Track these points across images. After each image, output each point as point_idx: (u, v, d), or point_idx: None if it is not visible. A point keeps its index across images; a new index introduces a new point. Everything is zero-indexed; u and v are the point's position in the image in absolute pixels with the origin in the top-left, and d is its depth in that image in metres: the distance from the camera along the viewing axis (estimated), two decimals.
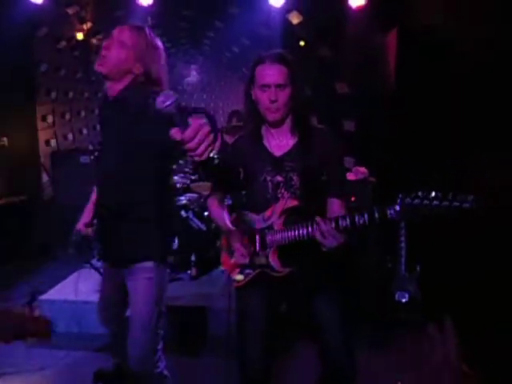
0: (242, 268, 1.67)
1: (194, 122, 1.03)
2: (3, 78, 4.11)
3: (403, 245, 2.79)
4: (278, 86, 1.55)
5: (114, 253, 1.76)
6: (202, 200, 3.49)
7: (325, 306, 1.67)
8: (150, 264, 1.68)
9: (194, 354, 2.62)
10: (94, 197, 1.92)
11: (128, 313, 1.84)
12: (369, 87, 3.93)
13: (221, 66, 4.66)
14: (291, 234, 1.55)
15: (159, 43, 1.71)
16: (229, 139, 3.69)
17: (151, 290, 1.68)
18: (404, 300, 2.78)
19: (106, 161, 1.74)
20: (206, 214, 3.36)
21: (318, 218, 1.46)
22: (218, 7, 4.36)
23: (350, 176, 3.17)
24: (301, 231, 1.52)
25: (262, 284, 1.66)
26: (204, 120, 1.04)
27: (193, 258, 3.21)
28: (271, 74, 1.55)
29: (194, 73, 4.73)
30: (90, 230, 1.90)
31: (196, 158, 1.03)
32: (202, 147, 1.02)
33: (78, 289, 2.89)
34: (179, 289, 2.99)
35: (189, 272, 3.22)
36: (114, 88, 1.67)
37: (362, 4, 3.74)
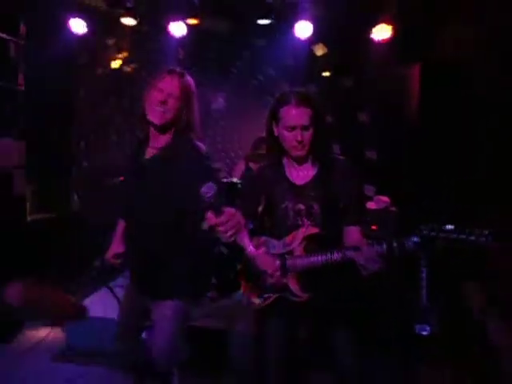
0: (261, 291, 1.72)
1: (228, 210, 1.28)
2: (42, 101, 4.41)
3: (424, 275, 2.76)
4: (304, 127, 1.62)
5: (146, 285, 1.78)
6: None
7: (341, 335, 1.69)
8: (181, 302, 1.73)
9: (213, 376, 2.63)
10: (120, 228, 1.97)
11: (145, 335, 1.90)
12: (391, 117, 3.99)
13: (247, 94, 4.81)
14: (312, 259, 1.60)
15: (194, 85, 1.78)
16: (254, 166, 3.79)
17: (176, 326, 1.73)
18: (425, 333, 2.72)
19: (142, 210, 1.75)
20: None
21: (361, 244, 1.51)
22: (245, 39, 4.57)
23: (371, 205, 3.19)
24: (324, 257, 1.57)
25: (281, 308, 1.69)
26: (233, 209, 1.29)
27: (213, 280, 3.25)
28: (298, 116, 1.62)
29: (220, 100, 4.90)
30: (118, 262, 1.95)
31: (221, 237, 1.25)
32: (230, 233, 1.27)
33: (99, 306, 2.96)
34: (198, 311, 3.01)
35: (208, 294, 3.26)
36: (158, 138, 1.74)
37: (386, 37, 3.85)
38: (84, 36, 4.25)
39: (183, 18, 4.03)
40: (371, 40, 3.88)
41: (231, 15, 4.08)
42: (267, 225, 1.81)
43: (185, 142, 1.70)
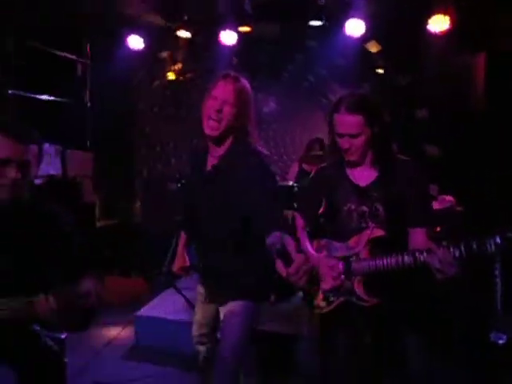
0: (325, 295, 1.70)
1: (298, 259, 1.30)
2: (106, 115, 4.71)
3: (498, 280, 2.57)
4: (352, 135, 1.59)
5: (216, 294, 1.81)
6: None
7: (412, 342, 1.63)
8: (249, 303, 1.74)
9: (270, 380, 2.64)
10: (183, 240, 2.01)
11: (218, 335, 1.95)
12: (452, 110, 3.79)
13: (298, 96, 4.81)
14: (380, 263, 1.55)
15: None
16: (307, 167, 3.78)
17: (245, 326, 1.74)
18: (501, 342, 2.53)
19: (206, 219, 1.75)
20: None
21: (433, 246, 1.44)
22: (296, 41, 4.57)
23: (435, 205, 3.04)
24: (393, 261, 1.51)
25: (346, 313, 1.66)
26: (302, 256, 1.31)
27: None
28: (345, 124, 1.58)
29: (272, 104, 4.94)
30: (184, 273, 2.01)
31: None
32: (303, 280, 1.32)
33: (169, 307, 3.09)
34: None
35: (272, 297, 3.26)
36: (217, 147, 1.72)
37: (443, 28, 3.68)
38: (141, 51, 4.50)
39: (235, 26, 4.12)
40: (428, 32, 3.72)
41: (282, 19, 4.11)
42: (328, 227, 1.78)
43: (244, 148, 1.69)
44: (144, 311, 3.17)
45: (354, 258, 1.64)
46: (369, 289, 1.60)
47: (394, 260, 1.51)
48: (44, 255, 1.44)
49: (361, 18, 3.84)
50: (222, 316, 1.78)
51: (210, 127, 1.64)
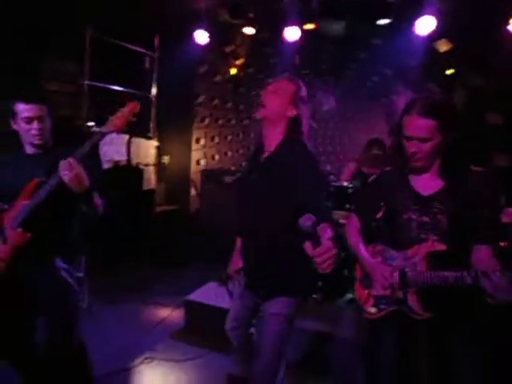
0: (377, 301, 1.67)
1: (326, 243, 1.32)
2: (169, 107, 4.93)
3: None
4: (420, 139, 1.54)
5: (257, 285, 1.86)
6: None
7: (466, 361, 1.55)
8: (290, 300, 1.77)
9: (315, 378, 2.64)
10: (238, 244, 2.04)
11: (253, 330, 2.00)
12: None
13: (360, 96, 4.70)
14: (438, 278, 1.49)
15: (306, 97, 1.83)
16: (365, 168, 3.70)
17: (284, 324, 1.77)
18: None
19: (254, 210, 1.81)
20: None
21: (488, 270, 1.39)
22: (361, 39, 4.47)
23: (502, 218, 2.85)
24: (453, 278, 1.45)
25: (396, 323, 1.62)
26: (332, 243, 1.32)
27: (320, 283, 3.26)
28: (415, 127, 1.54)
29: (332, 102, 4.88)
30: (238, 275, 2.05)
31: (318, 268, 1.31)
32: (326, 264, 1.31)
33: (216, 295, 3.20)
34: (303, 312, 3.05)
35: (314, 296, 3.28)
36: (271, 141, 1.81)
37: None
38: (205, 45, 4.64)
39: (299, 23, 4.11)
40: (507, 32, 3.48)
41: (348, 17, 4.03)
42: (385, 233, 1.74)
43: (296, 144, 1.75)
44: (193, 296, 3.31)
45: (411, 269, 1.59)
46: (422, 302, 1.55)
47: (453, 277, 1.46)
48: None
49: (432, 14, 3.66)
50: (262, 312, 1.82)
51: (259, 113, 1.79)
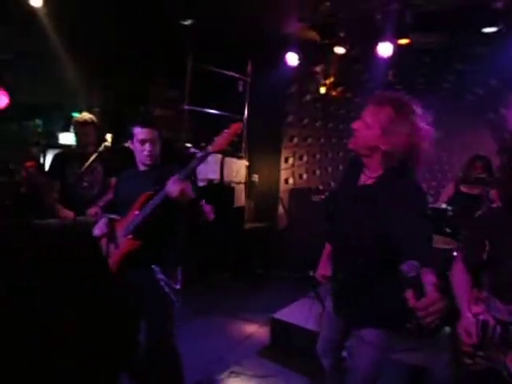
0: (473, 350, 1.49)
1: (431, 293, 1.15)
2: (259, 127, 5.11)
3: None
4: None
5: (346, 309, 1.79)
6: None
7: None
8: (383, 330, 1.67)
9: None
10: (327, 250, 2.01)
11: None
12: None
13: (460, 110, 4.35)
14: None
15: (413, 114, 1.59)
16: (465, 189, 3.39)
17: (377, 354, 1.69)
18: None
19: (348, 234, 1.73)
20: None
21: None
22: (461, 49, 4.17)
23: None
24: None
25: (490, 382, 1.43)
26: (439, 294, 1.14)
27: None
28: None
29: (428, 118, 4.59)
30: (326, 282, 2.03)
31: (420, 322, 1.15)
32: (431, 319, 1.13)
33: (304, 314, 3.17)
34: (398, 342, 2.84)
35: (409, 325, 3.05)
36: (369, 166, 1.68)
37: None
38: (295, 66, 4.73)
39: (393, 38, 3.99)
40: None
41: (447, 28, 3.80)
42: (489, 278, 1.56)
43: (402, 176, 1.59)
44: (280, 314, 3.32)
45: None
46: None
47: None
48: None
49: None
50: (352, 338, 1.75)
51: (351, 143, 1.67)
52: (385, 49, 4.11)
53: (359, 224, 1.66)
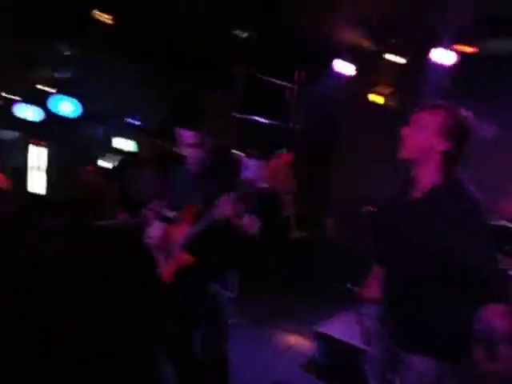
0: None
1: (505, 354, 1.02)
2: (309, 136, 5.06)
3: None
4: None
5: (397, 334, 1.69)
6: None
7: None
8: (434, 361, 1.54)
9: None
10: (376, 271, 1.88)
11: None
12: None
13: None
14: None
15: (467, 118, 1.54)
16: None
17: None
18: None
19: (397, 252, 1.63)
20: None
21: None
22: None
23: None
24: None
25: None
26: None
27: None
28: None
29: (491, 128, 4.31)
30: (372, 302, 1.93)
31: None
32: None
33: (348, 328, 3.07)
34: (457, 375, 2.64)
35: (474, 356, 2.81)
36: (421, 177, 1.59)
37: None
38: (347, 75, 4.64)
39: (452, 45, 3.80)
40: None
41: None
42: None
43: (459, 190, 1.50)
44: (323, 328, 3.24)
45: None
46: None
47: None
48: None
49: None
50: (401, 368, 1.64)
51: (401, 153, 1.59)
52: (445, 57, 3.92)
53: (414, 242, 1.55)
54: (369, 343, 1.98)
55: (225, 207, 1.86)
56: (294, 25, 4.08)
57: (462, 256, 1.36)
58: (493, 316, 1.05)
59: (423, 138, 1.54)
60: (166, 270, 2.08)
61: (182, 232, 2.08)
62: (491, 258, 1.39)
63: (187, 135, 2.10)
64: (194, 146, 2.10)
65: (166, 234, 2.13)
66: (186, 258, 2.02)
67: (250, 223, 2.04)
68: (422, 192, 1.58)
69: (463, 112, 1.55)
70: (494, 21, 3.47)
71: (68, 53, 4.07)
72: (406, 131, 1.58)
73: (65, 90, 4.30)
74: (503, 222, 3.00)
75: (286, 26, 4.12)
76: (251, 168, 4.63)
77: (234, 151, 4.72)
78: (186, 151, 2.15)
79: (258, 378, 2.88)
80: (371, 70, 4.90)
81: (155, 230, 2.15)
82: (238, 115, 4.82)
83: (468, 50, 3.77)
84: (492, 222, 3.00)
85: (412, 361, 1.58)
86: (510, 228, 2.88)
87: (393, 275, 1.71)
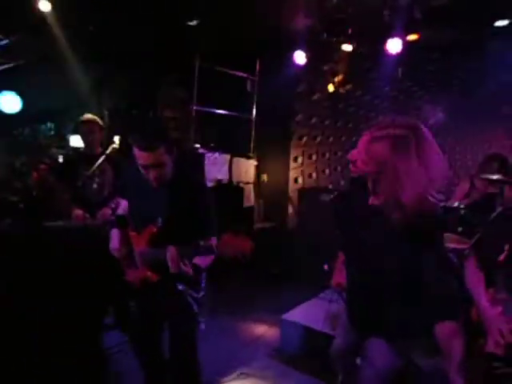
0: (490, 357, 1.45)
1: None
2: (268, 127, 5.09)
3: None
4: None
5: (361, 320, 1.77)
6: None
7: None
8: (392, 343, 1.64)
9: None
10: (340, 259, 1.97)
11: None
12: None
13: (473, 107, 4.27)
14: None
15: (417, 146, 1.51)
16: (480, 187, 3.29)
17: (386, 365, 1.65)
18: None
19: (364, 249, 1.67)
20: None
21: None
22: (472, 45, 4.08)
23: None
24: None
25: None
26: None
27: None
28: None
29: (440, 115, 4.52)
30: (340, 289, 2.00)
31: None
32: None
33: (314, 315, 3.14)
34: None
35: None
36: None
37: None
38: (303, 65, 4.69)
39: (403, 35, 3.92)
40: None
41: (458, 22, 3.71)
42: (508, 281, 1.51)
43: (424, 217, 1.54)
44: (289, 315, 3.29)
45: None
46: None
47: None
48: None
49: None
50: (366, 351, 1.71)
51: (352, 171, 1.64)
52: (393, 45, 4.04)
53: (377, 245, 1.60)
54: (333, 328, 2.03)
55: (170, 262, 1.76)
56: (250, 14, 4.03)
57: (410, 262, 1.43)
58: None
59: (369, 171, 1.56)
60: (132, 276, 1.98)
61: (140, 244, 1.96)
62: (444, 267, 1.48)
63: (143, 156, 1.78)
64: (152, 166, 1.80)
65: (127, 241, 2.00)
66: (149, 274, 1.94)
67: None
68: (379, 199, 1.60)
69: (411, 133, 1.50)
70: (438, 10, 3.61)
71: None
72: (353, 157, 1.60)
73: (5, 83, 4.01)
74: (456, 204, 3.14)
75: (241, 16, 4.07)
76: (213, 161, 4.58)
77: (195, 145, 4.64)
78: (143, 171, 1.86)
79: (225, 368, 2.87)
80: (327, 60, 4.97)
81: (114, 240, 2.02)
82: (196, 107, 4.73)
83: (414, 38, 3.89)
84: (446, 204, 3.16)
85: (372, 344, 1.66)
86: (462, 209, 3.03)
87: (351, 266, 1.78)
